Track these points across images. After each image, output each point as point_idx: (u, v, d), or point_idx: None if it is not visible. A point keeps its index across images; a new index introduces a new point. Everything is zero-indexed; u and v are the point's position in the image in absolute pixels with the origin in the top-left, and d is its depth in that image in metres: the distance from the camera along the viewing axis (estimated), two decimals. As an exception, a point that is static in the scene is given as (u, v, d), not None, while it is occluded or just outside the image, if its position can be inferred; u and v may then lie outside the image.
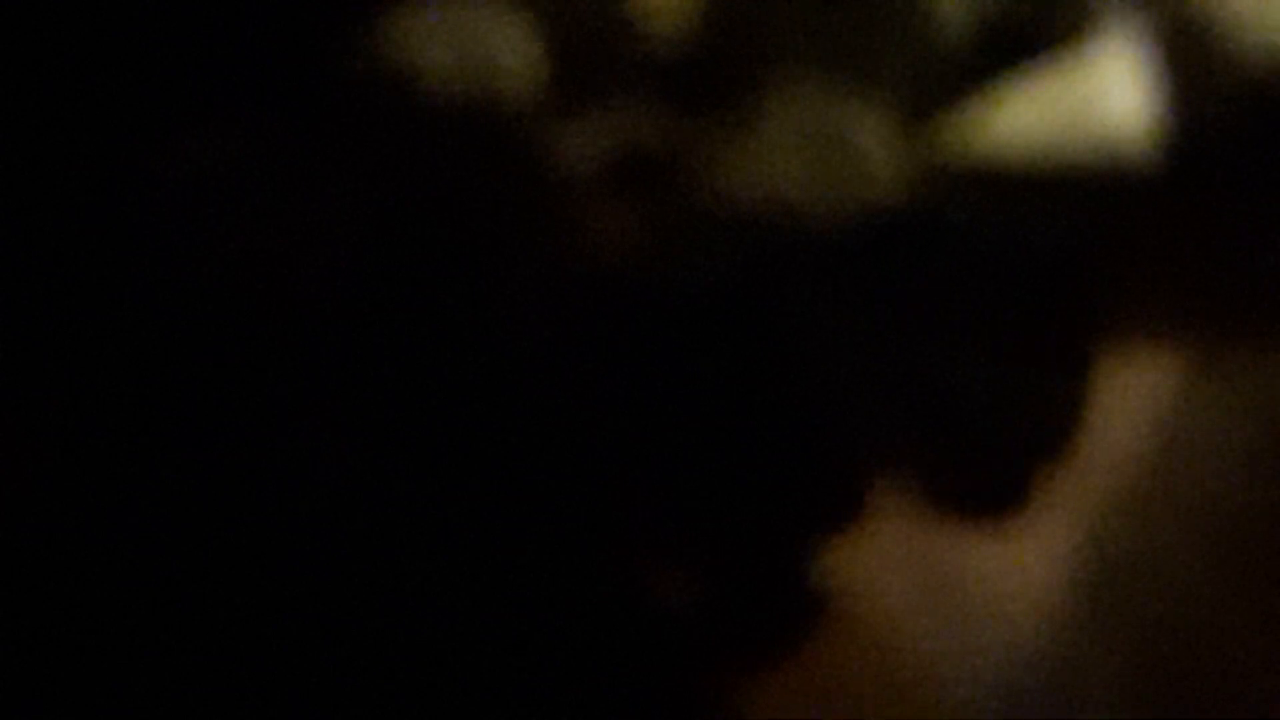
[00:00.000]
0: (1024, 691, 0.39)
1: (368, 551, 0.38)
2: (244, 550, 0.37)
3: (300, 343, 0.36)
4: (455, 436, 0.37)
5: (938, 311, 0.41)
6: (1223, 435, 0.40)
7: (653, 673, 0.38)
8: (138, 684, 0.37)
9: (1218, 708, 0.40)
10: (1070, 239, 0.40)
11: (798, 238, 0.39)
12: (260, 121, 0.35)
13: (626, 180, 0.38)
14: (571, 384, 0.39)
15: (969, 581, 0.40)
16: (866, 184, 0.39)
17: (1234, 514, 0.41)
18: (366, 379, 0.36)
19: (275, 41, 0.35)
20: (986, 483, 0.41)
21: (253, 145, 0.35)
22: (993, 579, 0.40)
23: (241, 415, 0.37)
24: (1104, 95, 0.40)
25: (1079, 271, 0.41)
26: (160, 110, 0.35)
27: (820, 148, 0.39)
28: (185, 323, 0.35)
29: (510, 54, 0.37)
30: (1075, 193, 0.40)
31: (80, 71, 0.35)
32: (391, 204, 0.36)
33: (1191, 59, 0.40)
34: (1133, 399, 0.40)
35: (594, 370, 0.39)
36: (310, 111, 0.35)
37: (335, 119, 0.35)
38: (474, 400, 0.37)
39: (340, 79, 0.35)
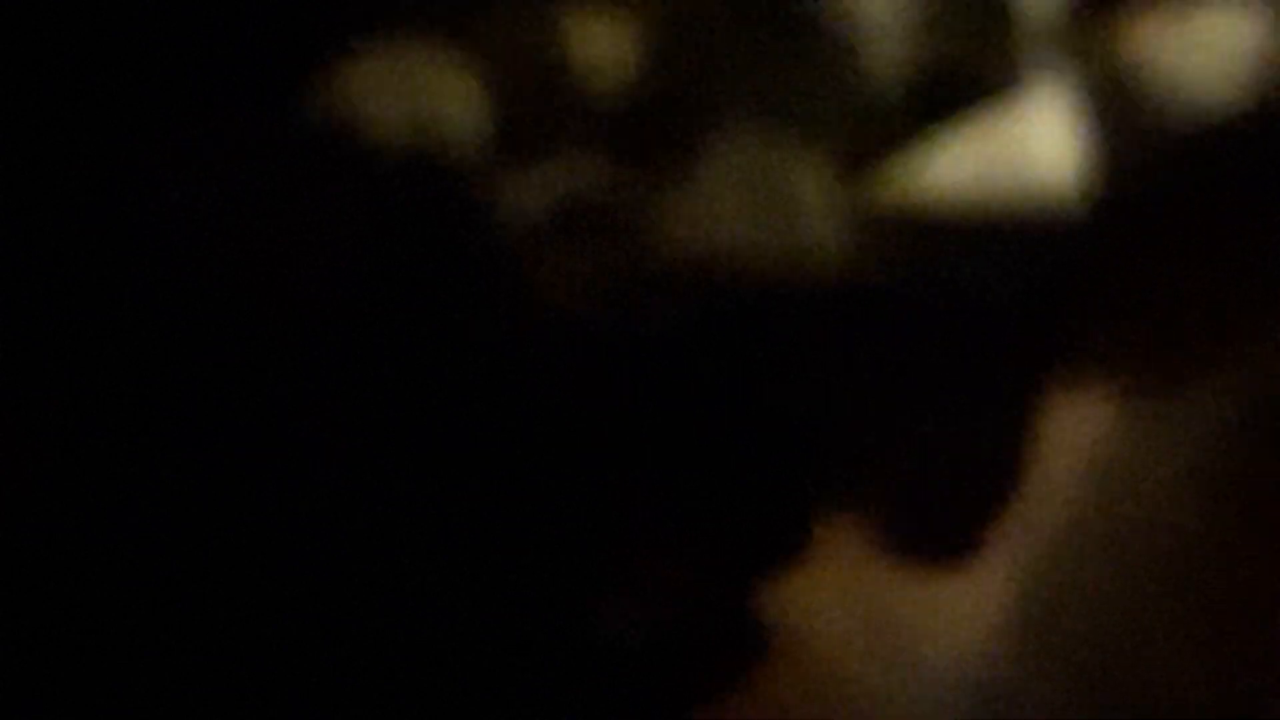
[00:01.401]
0: (963, 704, 0.41)
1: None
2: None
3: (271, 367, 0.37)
4: (413, 480, 0.38)
5: (882, 357, 0.42)
6: (1154, 469, 0.42)
7: (602, 701, 0.39)
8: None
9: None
10: (1003, 284, 0.41)
11: (741, 284, 0.40)
12: (215, 175, 0.36)
13: (572, 229, 0.39)
14: (524, 424, 0.40)
15: (910, 617, 0.41)
16: (805, 231, 0.41)
17: (1168, 545, 0.42)
18: (336, 407, 0.37)
19: (227, 96, 0.37)
20: (936, 527, 0.43)
21: (209, 200, 0.36)
22: (933, 615, 0.41)
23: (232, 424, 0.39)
24: (1033, 144, 0.42)
25: (1014, 315, 0.42)
26: (119, 162, 0.36)
27: (759, 196, 0.41)
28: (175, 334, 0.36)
29: (456, 105, 0.38)
30: (1006, 239, 0.41)
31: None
32: (345, 254, 0.37)
33: (1118, 110, 0.42)
34: (1067, 438, 0.41)
35: (546, 411, 0.40)
36: (263, 167, 0.37)
37: (288, 173, 0.37)
38: (428, 444, 0.38)
39: (291, 134, 0.37)
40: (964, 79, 0.42)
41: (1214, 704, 0.40)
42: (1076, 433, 0.42)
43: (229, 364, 0.37)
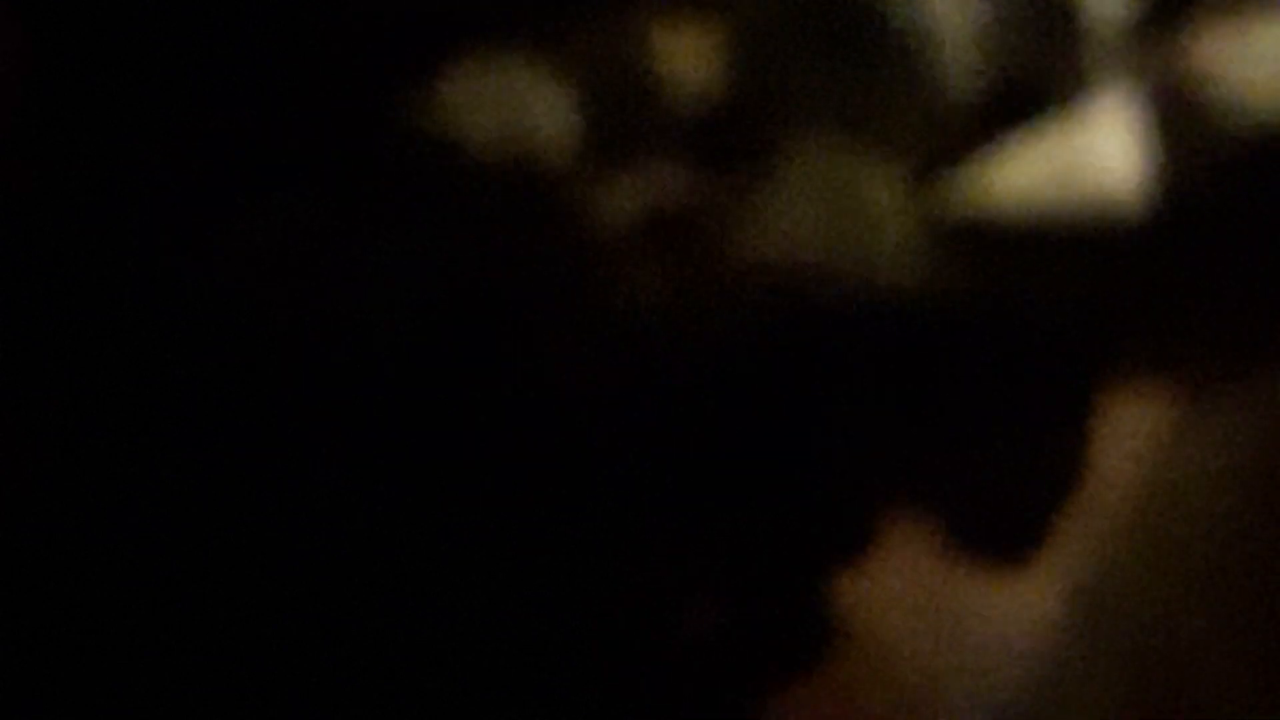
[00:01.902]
0: (1020, 717, 0.42)
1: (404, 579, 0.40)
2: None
3: (352, 402, 0.38)
4: (498, 481, 0.39)
5: (948, 359, 0.43)
6: (1215, 472, 0.43)
7: (677, 694, 0.41)
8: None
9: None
10: (1066, 289, 0.43)
11: (815, 288, 0.42)
12: (316, 190, 0.37)
13: (656, 237, 0.40)
14: (606, 427, 0.41)
15: (971, 612, 0.42)
16: (878, 238, 0.42)
17: (1228, 547, 0.43)
18: (416, 423, 0.39)
19: (327, 110, 0.38)
20: (997, 525, 0.44)
21: (310, 214, 0.37)
22: (994, 610, 0.43)
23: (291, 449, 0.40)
24: (1098, 153, 0.43)
25: (1076, 320, 0.43)
26: (220, 183, 0.37)
27: (835, 203, 0.42)
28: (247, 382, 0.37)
29: (547, 119, 0.39)
30: (1071, 245, 0.42)
31: (149, 140, 0.37)
32: (438, 263, 0.38)
33: (1182, 120, 0.43)
34: (1129, 441, 0.43)
35: (627, 414, 0.41)
36: (362, 178, 0.38)
37: (385, 185, 0.38)
38: (515, 446, 0.39)
39: (388, 146, 0.38)
40: (1032, 89, 0.43)
41: (1266, 704, 0.42)
42: (1134, 434, 0.43)
43: (325, 365, 0.38)
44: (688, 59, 0.41)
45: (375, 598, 0.38)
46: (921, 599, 0.43)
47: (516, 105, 0.39)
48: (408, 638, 0.40)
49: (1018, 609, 0.43)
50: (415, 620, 0.39)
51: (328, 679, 0.39)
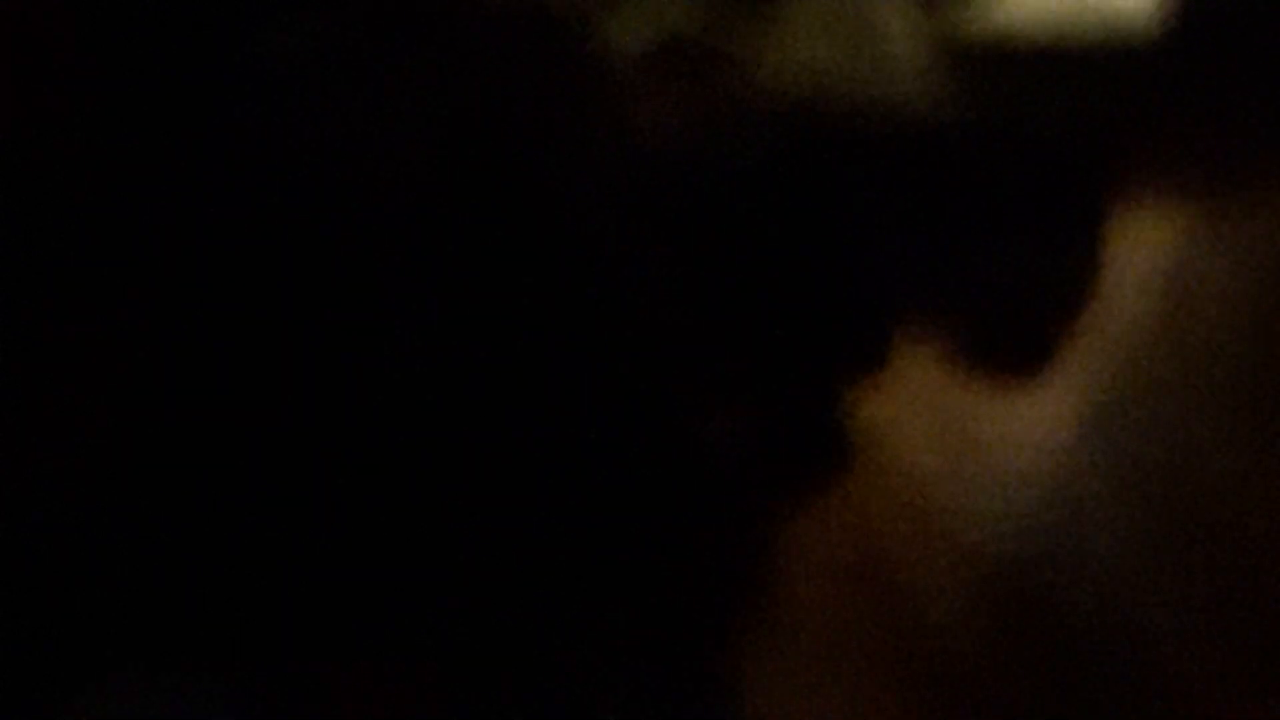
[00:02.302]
0: (1032, 527, 0.44)
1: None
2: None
3: (379, 222, 0.41)
4: (521, 309, 0.41)
5: (961, 179, 0.44)
6: (1225, 290, 0.44)
7: (700, 499, 0.43)
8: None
9: (1217, 548, 0.44)
10: (1080, 106, 0.43)
11: (828, 112, 0.43)
12: (339, 16, 0.39)
13: (668, 65, 0.41)
14: (627, 250, 0.43)
15: (984, 426, 0.44)
16: (890, 64, 0.43)
17: (1238, 365, 0.44)
18: (439, 248, 0.41)
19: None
20: (1010, 340, 0.45)
21: (333, 38, 0.39)
22: (1008, 428, 0.44)
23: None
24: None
25: (1087, 138, 0.44)
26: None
27: (846, 30, 0.43)
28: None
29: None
30: (1082, 62, 0.43)
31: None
32: (453, 93, 0.40)
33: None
34: (1139, 261, 0.44)
35: (646, 237, 0.43)
36: (382, 8, 0.40)
37: (408, 8, 0.40)
38: (537, 271, 0.41)
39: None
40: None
41: (1275, 513, 0.43)
42: (1148, 255, 0.44)
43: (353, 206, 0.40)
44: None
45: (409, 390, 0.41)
46: (937, 416, 0.45)
47: None
48: (448, 449, 0.43)
49: (1031, 426, 0.45)
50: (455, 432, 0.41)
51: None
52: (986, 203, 0.44)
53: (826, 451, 0.44)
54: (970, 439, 0.44)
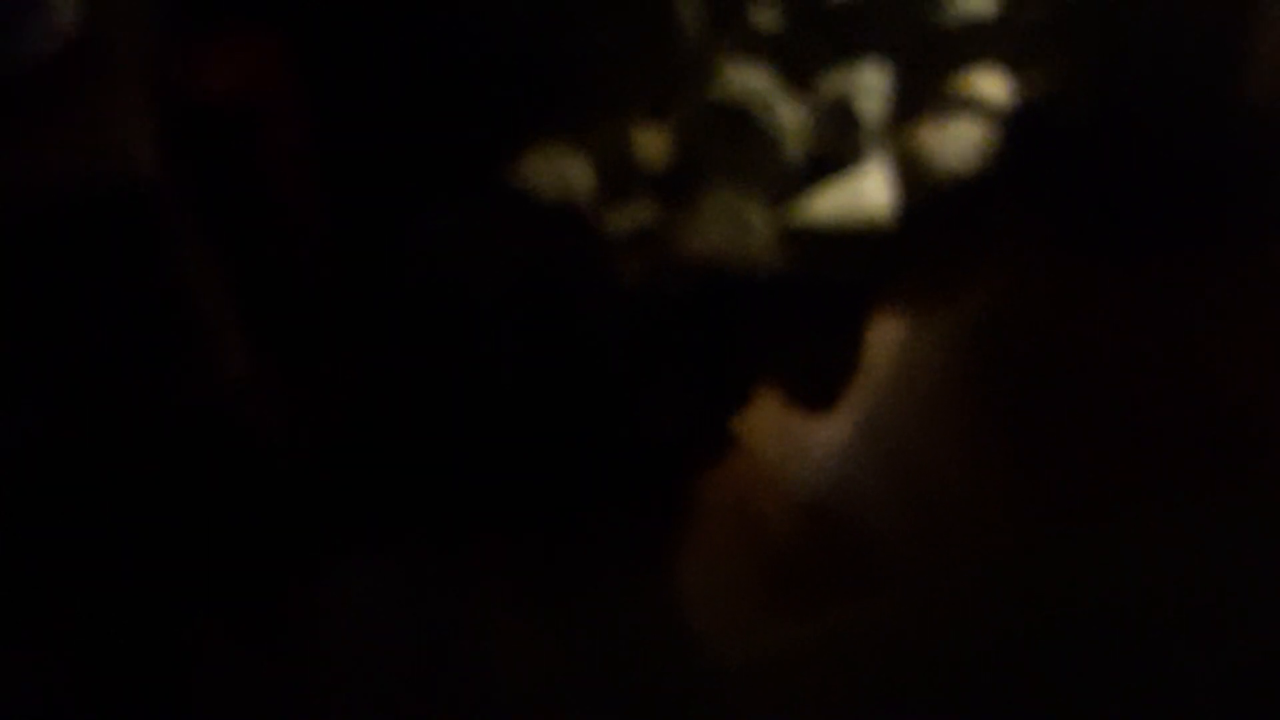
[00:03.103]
0: (832, 479, 0.82)
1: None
2: None
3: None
4: (547, 364, 0.78)
5: (789, 307, 0.82)
6: (932, 354, 0.82)
7: (645, 461, 0.80)
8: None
9: (932, 485, 0.82)
10: (853, 263, 0.82)
11: (724, 270, 0.80)
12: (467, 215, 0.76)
13: (639, 242, 0.79)
14: (619, 338, 0.80)
15: (806, 428, 0.82)
16: (756, 240, 0.81)
17: (950, 394, 0.83)
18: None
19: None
20: (821, 388, 0.83)
21: (463, 228, 0.76)
22: (819, 431, 0.82)
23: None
24: (869, 191, 0.82)
25: (858, 276, 0.82)
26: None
27: (733, 222, 0.80)
28: None
29: (580, 179, 0.78)
30: (854, 239, 0.81)
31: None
32: (522, 273, 0.77)
33: (908, 172, 0.82)
34: (887, 341, 0.82)
35: (625, 330, 0.80)
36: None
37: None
38: (571, 355, 0.78)
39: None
40: (830, 156, 0.82)
41: (980, 480, 0.81)
42: (891, 337, 0.82)
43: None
44: (651, 145, 0.79)
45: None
46: (777, 421, 0.83)
47: (564, 171, 0.78)
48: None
49: (831, 431, 0.83)
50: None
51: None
52: (801, 314, 0.82)
53: (721, 437, 0.81)
54: (799, 429, 0.82)
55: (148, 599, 0.77)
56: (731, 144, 0.86)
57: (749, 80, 0.87)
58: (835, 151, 0.86)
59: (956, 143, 0.85)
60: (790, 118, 0.85)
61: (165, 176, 0.69)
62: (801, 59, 0.85)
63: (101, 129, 0.69)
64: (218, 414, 0.76)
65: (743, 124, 0.86)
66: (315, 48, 0.76)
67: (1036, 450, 0.82)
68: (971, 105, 0.86)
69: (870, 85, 0.87)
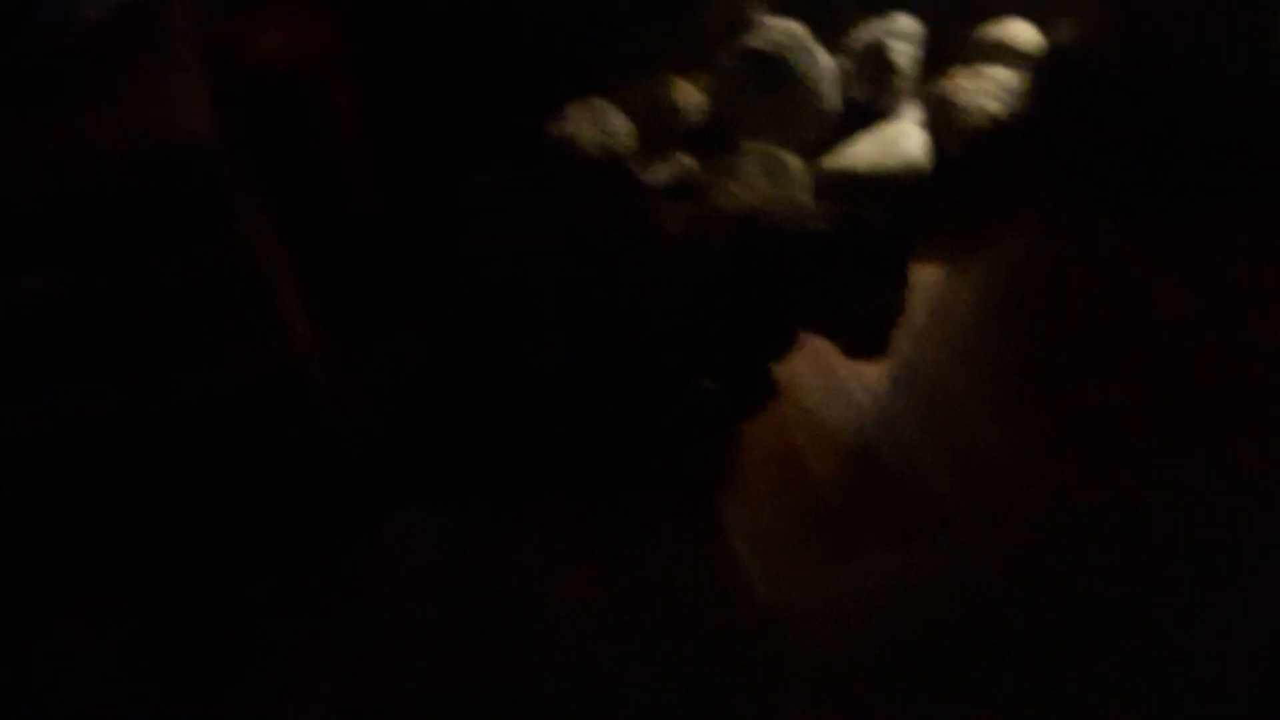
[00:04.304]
0: (874, 418, 0.82)
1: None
2: None
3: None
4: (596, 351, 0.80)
5: (835, 257, 0.83)
6: (973, 300, 0.83)
7: (693, 413, 0.81)
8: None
9: (958, 426, 0.83)
10: (890, 212, 0.83)
11: (765, 219, 0.82)
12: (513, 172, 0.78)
13: (677, 194, 0.80)
14: (660, 298, 0.81)
15: (848, 375, 0.83)
16: (795, 188, 0.82)
17: (982, 340, 0.84)
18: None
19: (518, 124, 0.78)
20: (865, 338, 0.84)
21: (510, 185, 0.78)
22: (860, 379, 0.83)
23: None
24: (905, 138, 0.83)
25: (900, 225, 0.84)
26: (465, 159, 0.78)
27: (772, 172, 0.82)
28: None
29: (620, 129, 0.80)
30: (892, 186, 0.83)
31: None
32: (570, 228, 0.79)
33: (942, 119, 0.84)
34: (926, 287, 0.83)
35: (667, 290, 0.82)
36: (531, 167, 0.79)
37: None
38: (611, 311, 0.80)
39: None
40: (869, 107, 0.84)
41: (1002, 421, 0.82)
42: (929, 284, 0.84)
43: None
44: (691, 96, 0.82)
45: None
46: (821, 371, 0.84)
47: (607, 121, 0.80)
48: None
49: (872, 377, 0.84)
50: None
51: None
52: (850, 266, 0.83)
53: (762, 394, 0.82)
54: (840, 380, 0.83)
55: (208, 559, 0.79)
56: (770, 93, 0.88)
57: (786, 29, 0.89)
58: (872, 98, 0.89)
59: (992, 86, 0.86)
60: (827, 64, 0.87)
61: (221, 139, 0.71)
62: (834, 18, 0.88)
63: (158, 94, 0.72)
64: (283, 376, 0.78)
65: (781, 72, 0.88)
66: (364, 11, 0.79)
67: (1072, 402, 0.83)
68: (1004, 51, 0.89)
69: (905, 31, 0.91)
